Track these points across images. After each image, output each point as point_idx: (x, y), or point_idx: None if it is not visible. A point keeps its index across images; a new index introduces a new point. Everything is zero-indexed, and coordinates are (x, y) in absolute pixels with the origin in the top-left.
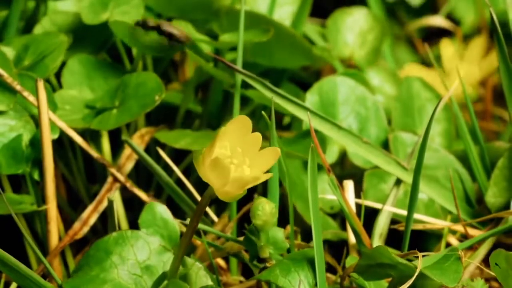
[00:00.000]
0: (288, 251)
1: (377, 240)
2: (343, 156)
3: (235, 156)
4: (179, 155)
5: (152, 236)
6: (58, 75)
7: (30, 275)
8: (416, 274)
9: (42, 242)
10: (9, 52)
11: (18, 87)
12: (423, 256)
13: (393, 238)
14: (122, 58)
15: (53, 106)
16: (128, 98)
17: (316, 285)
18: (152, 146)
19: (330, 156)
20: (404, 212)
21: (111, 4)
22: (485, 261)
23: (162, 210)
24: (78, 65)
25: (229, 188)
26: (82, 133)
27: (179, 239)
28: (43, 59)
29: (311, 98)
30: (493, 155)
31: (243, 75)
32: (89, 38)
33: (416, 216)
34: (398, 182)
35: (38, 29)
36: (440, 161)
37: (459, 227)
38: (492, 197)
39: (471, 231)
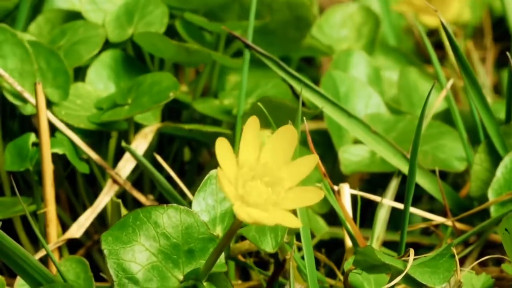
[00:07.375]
0: None
1: (375, 243)
2: None
3: (269, 173)
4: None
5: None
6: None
7: (32, 261)
8: (402, 274)
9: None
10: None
11: (18, 88)
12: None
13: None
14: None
15: (65, 95)
16: (141, 95)
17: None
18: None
19: None
20: (401, 206)
21: (136, 15)
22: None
23: None
24: (109, 59)
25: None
26: (91, 134)
27: None
28: (78, 48)
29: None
30: None
31: (259, 54)
32: None
33: (412, 210)
34: (399, 173)
35: (33, 28)
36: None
37: (449, 223)
38: (477, 191)
39: (463, 227)
